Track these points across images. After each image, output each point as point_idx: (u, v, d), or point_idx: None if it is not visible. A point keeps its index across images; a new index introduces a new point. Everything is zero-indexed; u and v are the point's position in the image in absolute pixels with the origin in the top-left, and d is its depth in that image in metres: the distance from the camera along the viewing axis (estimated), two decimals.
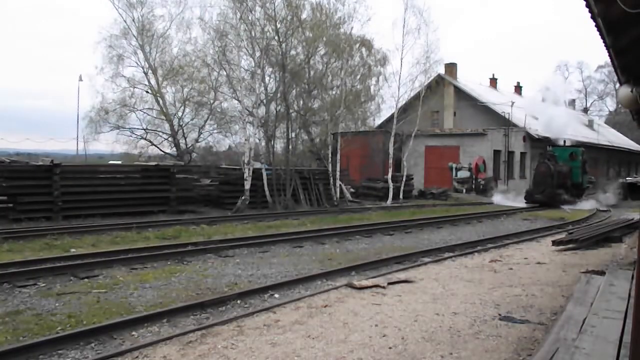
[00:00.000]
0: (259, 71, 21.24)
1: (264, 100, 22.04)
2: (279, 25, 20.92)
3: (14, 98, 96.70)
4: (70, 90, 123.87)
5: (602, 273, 7.59)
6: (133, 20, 27.65)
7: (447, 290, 7.03)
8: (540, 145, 32.02)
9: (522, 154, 33.08)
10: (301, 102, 23.90)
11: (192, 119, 29.17)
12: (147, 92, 28.17)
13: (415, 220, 16.13)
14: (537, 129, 31.90)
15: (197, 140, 29.70)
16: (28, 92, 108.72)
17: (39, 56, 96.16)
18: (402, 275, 7.91)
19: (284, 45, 21.08)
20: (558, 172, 24.47)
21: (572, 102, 56.84)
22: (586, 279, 7.12)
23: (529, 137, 32.41)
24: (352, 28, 23.67)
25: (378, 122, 34.29)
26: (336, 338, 5.00)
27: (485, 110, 34.27)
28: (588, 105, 65.23)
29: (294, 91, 22.70)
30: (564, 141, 28.18)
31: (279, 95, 22.08)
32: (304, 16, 22.69)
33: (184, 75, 27.69)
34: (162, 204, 17.38)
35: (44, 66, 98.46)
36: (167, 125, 28.43)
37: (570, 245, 11.07)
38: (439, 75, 31.42)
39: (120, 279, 7.68)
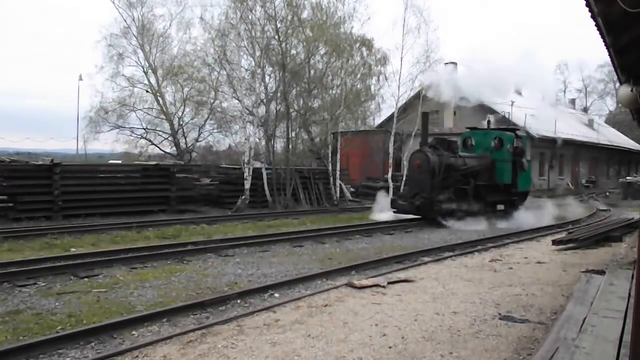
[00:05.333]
0: (259, 71, 21.25)
1: (264, 100, 22.06)
2: (279, 25, 20.95)
3: (14, 98, 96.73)
4: (70, 90, 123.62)
5: (602, 272, 7.58)
6: (133, 19, 27.77)
7: (447, 290, 7.03)
8: (542, 145, 31.99)
9: None
10: (301, 101, 23.87)
11: (192, 119, 29.28)
12: (147, 91, 28.25)
13: (415, 220, 16.11)
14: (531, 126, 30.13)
15: (197, 140, 29.81)
16: (28, 92, 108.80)
17: (39, 56, 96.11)
18: (402, 275, 7.91)
19: (284, 44, 21.10)
20: (448, 166, 15.75)
21: (572, 102, 56.90)
22: (586, 279, 7.12)
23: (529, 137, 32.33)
24: (352, 27, 23.67)
25: (378, 121, 34.24)
26: (336, 337, 5.00)
27: (486, 110, 34.18)
28: (588, 104, 65.30)
29: (294, 91, 22.70)
30: (488, 121, 19.42)
31: (279, 94, 22.08)
32: (304, 15, 22.69)
33: (184, 75, 27.73)
34: (162, 203, 17.37)
35: (44, 66, 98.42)
36: (167, 125, 28.49)
37: (570, 245, 11.06)
38: None
39: (120, 278, 7.68)
